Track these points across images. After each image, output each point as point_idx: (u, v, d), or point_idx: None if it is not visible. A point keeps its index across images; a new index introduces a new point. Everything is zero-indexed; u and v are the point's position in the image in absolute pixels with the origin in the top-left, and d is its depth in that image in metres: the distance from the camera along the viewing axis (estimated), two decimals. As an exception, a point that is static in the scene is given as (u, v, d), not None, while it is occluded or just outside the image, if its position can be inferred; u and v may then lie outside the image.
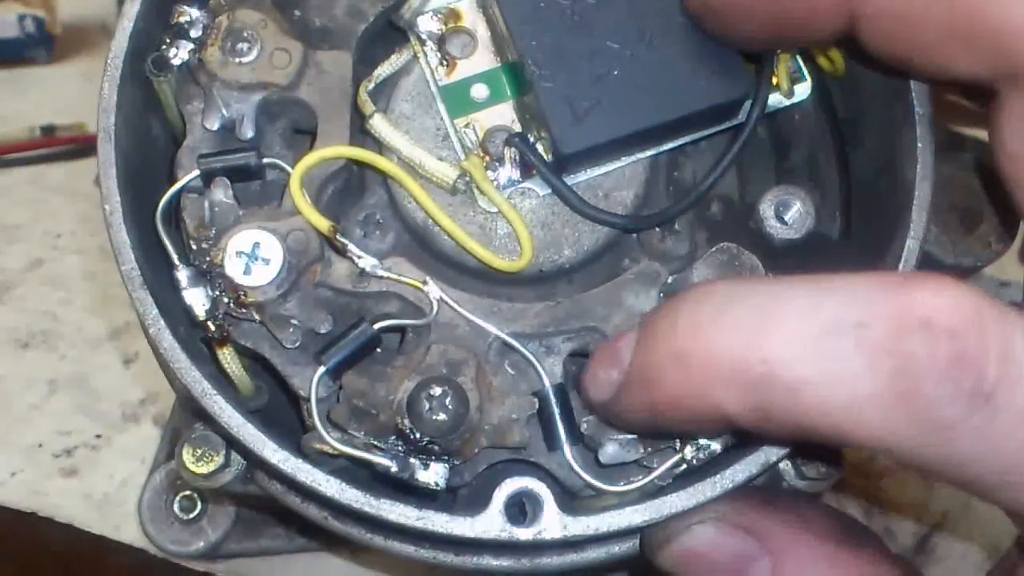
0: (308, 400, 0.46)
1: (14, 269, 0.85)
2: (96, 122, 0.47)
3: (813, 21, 0.42)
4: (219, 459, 0.50)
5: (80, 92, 0.97)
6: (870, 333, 0.35)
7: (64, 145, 0.92)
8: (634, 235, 0.51)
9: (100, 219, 0.87)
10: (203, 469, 0.50)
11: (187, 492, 0.68)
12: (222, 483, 0.50)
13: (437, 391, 0.45)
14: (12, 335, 0.81)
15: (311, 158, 0.47)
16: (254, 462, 0.47)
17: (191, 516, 0.68)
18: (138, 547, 0.71)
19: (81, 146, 0.92)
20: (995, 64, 0.39)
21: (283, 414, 0.50)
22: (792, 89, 0.50)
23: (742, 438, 0.45)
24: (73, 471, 0.75)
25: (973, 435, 0.34)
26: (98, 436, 0.76)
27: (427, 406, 0.44)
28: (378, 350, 0.48)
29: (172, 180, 0.48)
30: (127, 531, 0.71)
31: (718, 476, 0.44)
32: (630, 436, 0.46)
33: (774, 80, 0.50)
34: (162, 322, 0.45)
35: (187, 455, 0.50)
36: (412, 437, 0.45)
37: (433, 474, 0.45)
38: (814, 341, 0.35)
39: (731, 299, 0.38)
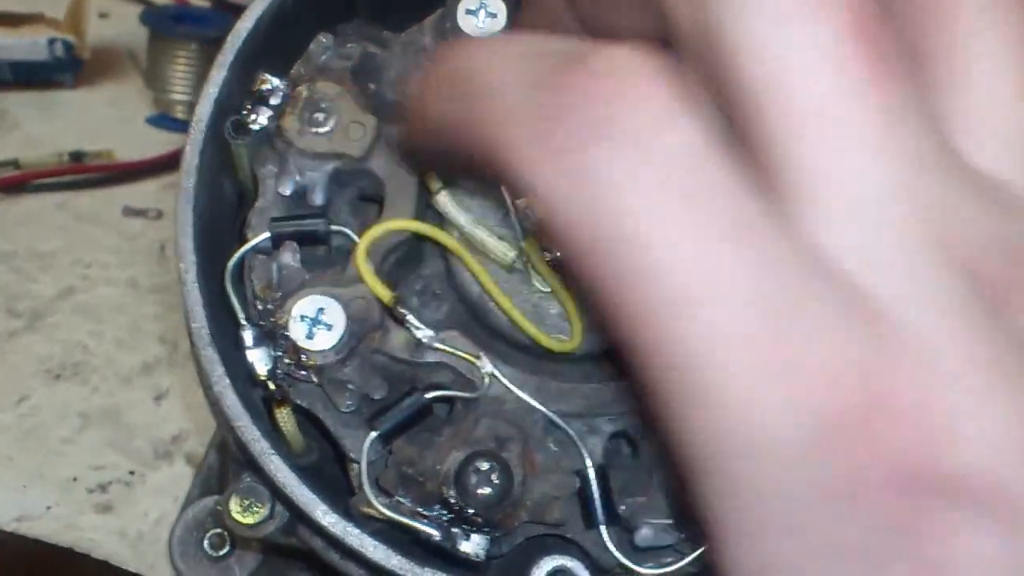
0: (358, 463, 0.47)
1: (47, 296, 0.86)
2: (181, 180, 0.49)
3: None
4: (264, 511, 0.52)
5: (106, 118, 0.98)
6: (547, 59, 0.31)
7: (92, 172, 0.93)
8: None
9: (129, 250, 0.90)
10: (249, 520, 0.52)
11: (217, 530, 0.69)
12: (265, 533, 0.52)
13: (484, 466, 0.46)
14: (45, 364, 0.82)
15: (378, 230, 0.49)
16: (302, 520, 0.48)
17: (220, 554, 0.69)
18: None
19: (108, 174, 0.94)
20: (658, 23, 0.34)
21: (328, 470, 0.52)
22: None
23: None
24: (108, 507, 0.76)
25: (599, 178, 0.29)
26: (131, 472, 0.78)
27: (474, 479, 0.46)
28: (428, 418, 0.50)
29: (241, 239, 0.51)
30: (162, 570, 0.72)
31: (750, 568, 0.46)
32: (666, 521, 0.48)
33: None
34: (227, 381, 0.47)
35: (234, 505, 0.52)
36: (457, 508, 0.46)
37: (474, 545, 0.47)
38: (509, 57, 0.33)
39: None
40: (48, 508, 0.76)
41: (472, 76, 0.34)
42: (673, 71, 0.30)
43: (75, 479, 0.77)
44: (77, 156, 0.90)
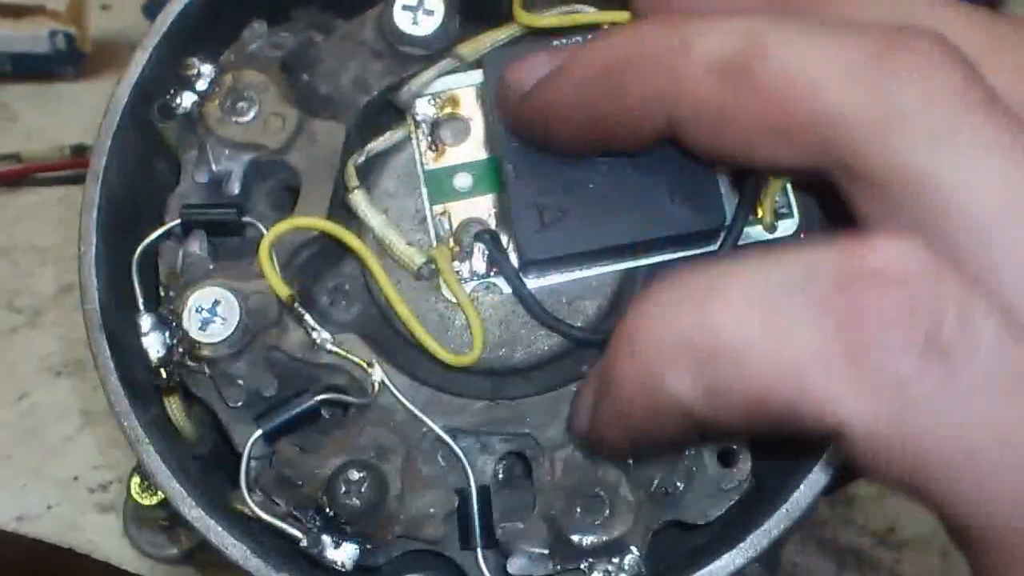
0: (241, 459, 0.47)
1: (46, 293, 0.84)
2: (90, 160, 0.49)
3: (630, 126, 0.41)
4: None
5: None
6: (815, 288, 0.33)
7: None
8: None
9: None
10: (148, 501, 0.52)
11: (168, 501, 0.70)
12: (165, 515, 0.53)
13: (355, 476, 0.45)
14: (45, 362, 0.81)
15: (282, 226, 0.48)
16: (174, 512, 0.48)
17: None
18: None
19: None
20: (819, 155, 0.37)
21: (229, 461, 0.52)
22: (775, 225, 0.49)
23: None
24: (109, 506, 0.75)
25: (931, 399, 0.31)
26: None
27: (343, 488, 0.45)
28: (325, 415, 0.49)
29: (163, 223, 0.50)
30: (163, 571, 0.71)
31: (617, 609, 0.44)
32: (542, 551, 0.46)
33: (759, 212, 0.49)
34: (111, 365, 0.47)
35: (134, 485, 0.52)
36: (328, 515, 0.46)
37: (343, 554, 0.46)
38: (758, 305, 0.33)
39: (680, 278, 0.36)
40: (49, 508, 0.76)
41: (721, 332, 0.34)
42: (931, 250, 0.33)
43: (76, 478, 0.77)
44: (79, 150, 0.87)
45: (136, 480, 0.53)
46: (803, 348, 0.32)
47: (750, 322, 0.33)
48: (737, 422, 0.35)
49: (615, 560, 0.46)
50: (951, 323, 0.32)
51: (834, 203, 0.39)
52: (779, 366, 0.33)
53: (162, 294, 0.49)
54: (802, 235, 0.51)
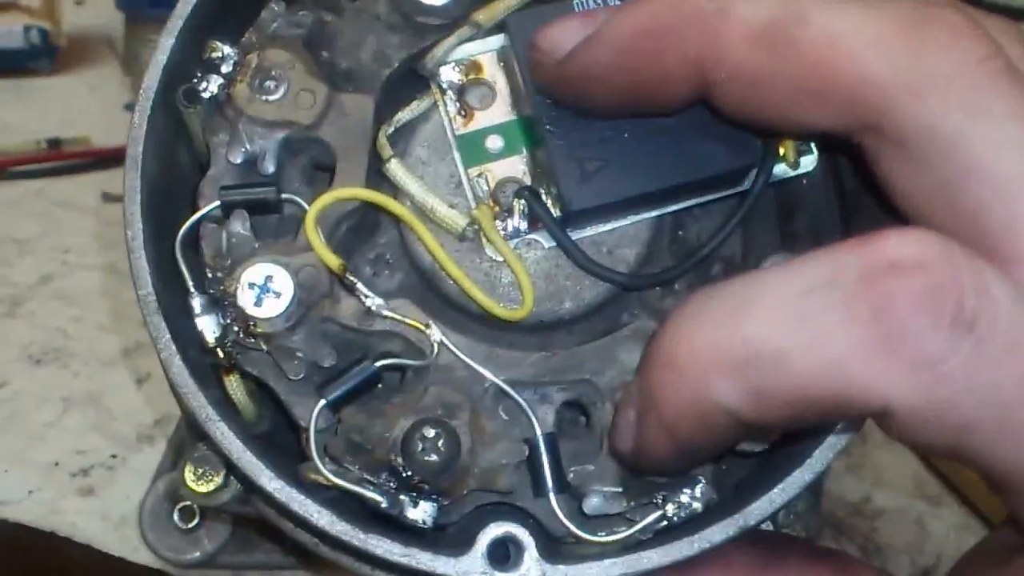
0: (307, 431, 0.47)
1: (25, 284, 0.85)
2: (127, 148, 0.49)
3: (667, 88, 0.43)
4: (219, 479, 0.52)
5: (83, 104, 0.99)
6: (842, 286, 0.36)
7: (70, 159, 0.92)
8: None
9: (108, 236, 0.89)
10: (203, 488, 0.52)
11: (187, 502, 0.69)
12: (220, 502, 0.52)
13: (431, 433, 0.46)
14: (25, 351, 0.82)
15: (327, 198, 0.49)
16: (250, 487, 0.48)
17: (189, 526, 0.69)
18: (157, 568, 0.72)
19: (86, 160, 0.93)
20: (851, 117, 0.40)
21: (284, 439, 0.52)
22: (798, 161, 0.52)
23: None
24: (90, 491, 0.75)
25: (964, 368, 0.34)
26: (113, 456, 0.77)
27: (420, 447, 0.46)
28: (379, 386, 0.49)
29: (195, 207, 0.50)
30: (145, 554, 0.72)
31: (696, 536, 0.45)
32: (615, 489, 0.48)
33: (781, 150, 0.51)
34: (173, 347, 0.47)
35: (188, 474, 0.52)
36: (403, 475, 0.46)
37: (421, 512, 0.47)
38: (790, 309, 0.36)
39: (709, 296, 0.40)
40: (30, 492, 0.76)
41: (761, 339, 0.37)
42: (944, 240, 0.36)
43: (57, 463, 0.77)
44: (55, 143, 0.88)
45: (190, 468, 0.52)
46: (842, 342, 0.35)
47: (787, 326, 0.36)
48: (785, 418, 0.38)
49: (687, 490, 0.47)
50: (971, 297, 0.35)
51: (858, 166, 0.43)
52: (821, 362, 0.36)
53: (208, 276, 0.49)
54: (803, 181, 0.54)
